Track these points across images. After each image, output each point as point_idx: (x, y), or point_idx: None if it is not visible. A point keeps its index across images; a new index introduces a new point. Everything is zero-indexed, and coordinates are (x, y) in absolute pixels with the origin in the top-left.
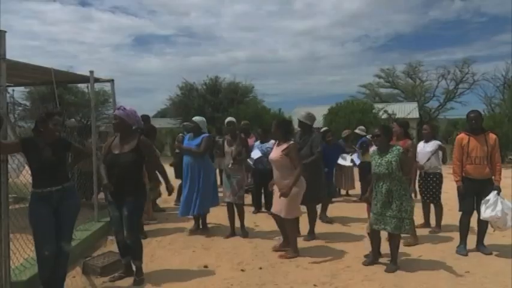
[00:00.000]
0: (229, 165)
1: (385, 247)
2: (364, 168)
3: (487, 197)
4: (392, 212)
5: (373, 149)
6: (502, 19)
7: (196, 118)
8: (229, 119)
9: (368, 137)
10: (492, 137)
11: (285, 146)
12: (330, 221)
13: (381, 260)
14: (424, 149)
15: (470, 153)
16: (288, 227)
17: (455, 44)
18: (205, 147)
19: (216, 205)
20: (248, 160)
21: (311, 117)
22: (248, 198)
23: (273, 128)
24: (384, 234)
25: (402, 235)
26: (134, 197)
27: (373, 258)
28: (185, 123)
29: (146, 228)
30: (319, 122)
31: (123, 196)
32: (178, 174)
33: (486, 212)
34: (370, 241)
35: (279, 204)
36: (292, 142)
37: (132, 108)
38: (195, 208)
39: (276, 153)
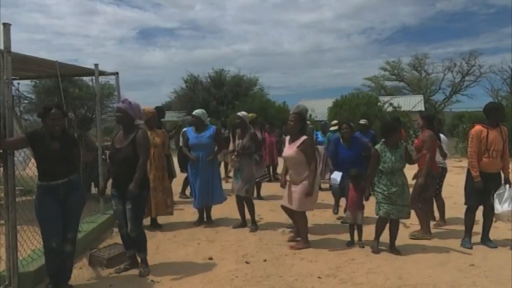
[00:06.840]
0: (232, 157)
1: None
2: None
3: (500, 191)
4: (404, 201)
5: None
6: (510, 11)
7: (197, 111)
8: (241, 113)
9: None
10: (505, 129)
11: (299, 141)
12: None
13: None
14: None
15: (489, 147)
16: (298, 220)
17: (462, 36)
18: (221, 138)
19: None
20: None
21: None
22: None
23: (292, 121)
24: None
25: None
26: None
27: (377, 246)
28: (185, 117)
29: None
30: (323, 115)
31: (126, 190)
32: (183, 168)
33: (504, 206)
34: (377, 229)
35: (291, 197)
36: (306, 137)
37: (136, 102)
38: (213, 199)
39: (291, 149)
